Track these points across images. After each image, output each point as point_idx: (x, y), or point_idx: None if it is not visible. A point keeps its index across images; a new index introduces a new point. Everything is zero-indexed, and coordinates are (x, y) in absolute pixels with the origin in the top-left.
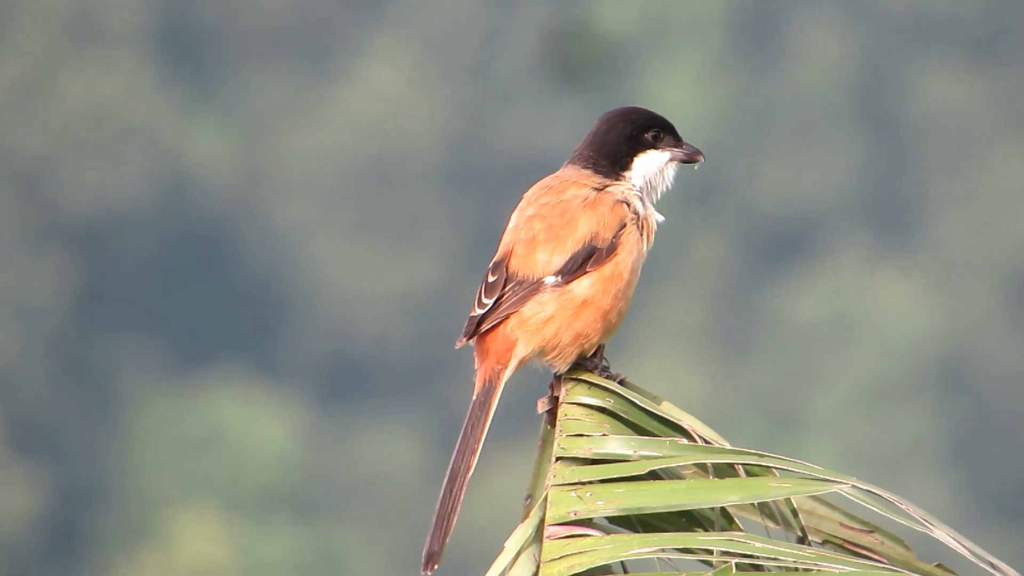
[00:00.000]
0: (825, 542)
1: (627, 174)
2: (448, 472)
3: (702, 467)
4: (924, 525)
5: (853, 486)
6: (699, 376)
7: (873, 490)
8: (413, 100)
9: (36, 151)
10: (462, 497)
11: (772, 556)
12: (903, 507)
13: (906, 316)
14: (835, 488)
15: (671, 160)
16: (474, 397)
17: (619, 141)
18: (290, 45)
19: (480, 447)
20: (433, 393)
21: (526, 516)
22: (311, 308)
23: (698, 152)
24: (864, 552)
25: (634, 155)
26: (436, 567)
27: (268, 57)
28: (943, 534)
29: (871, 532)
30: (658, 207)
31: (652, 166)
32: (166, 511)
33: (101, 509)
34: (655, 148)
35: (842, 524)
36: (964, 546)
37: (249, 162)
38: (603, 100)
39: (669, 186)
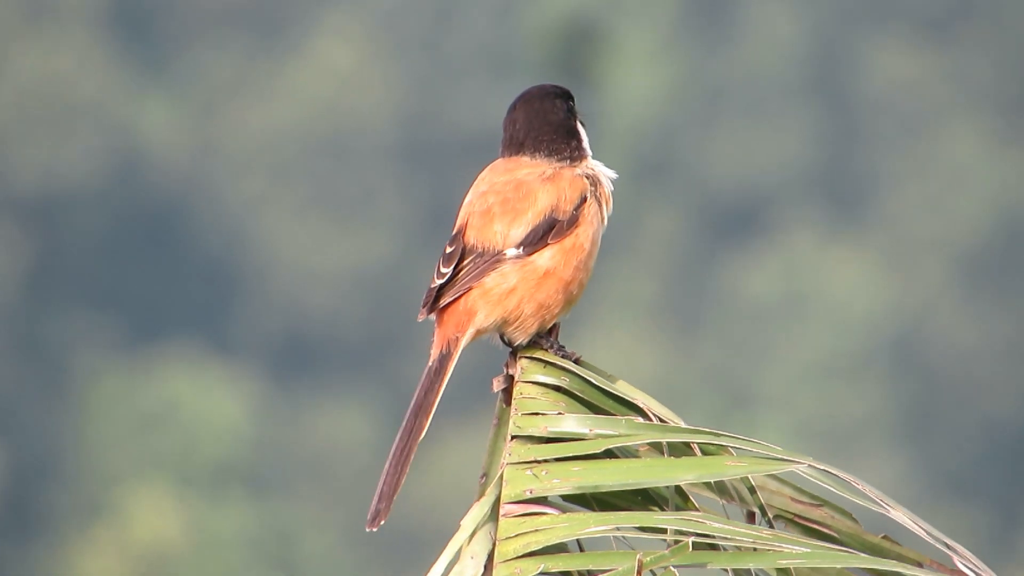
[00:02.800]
0: (776, 517)
1: (583, 144)
2: (399, 433)
3: (657, 446)
4: (881, 505)
5: (810, 465)
6: (652, 352)
7: (830, 470)
8: (365, 76)
9: None
10: (411, 458)
11: (729, 536)
12: (859, 487)
13: (858, 292)
14: (792, 467)
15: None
16: (429, 363)
17: (565, 116)
18: (242, 20)
19: (434, 411)
20: (386, 369)
21: (481, 494)
22: (263, 284)
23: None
24: (815, 527)
25: (577, 130)
26: (382, 523)
27: (220, 32)
28: (899, 514)
29: (820, 506)
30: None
31: (585, 131)
32: (119, 487)
33: (54, 485)
34: (579, 120)
35: (792, 499)
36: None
37: (201, 138)
38: (555, 76)
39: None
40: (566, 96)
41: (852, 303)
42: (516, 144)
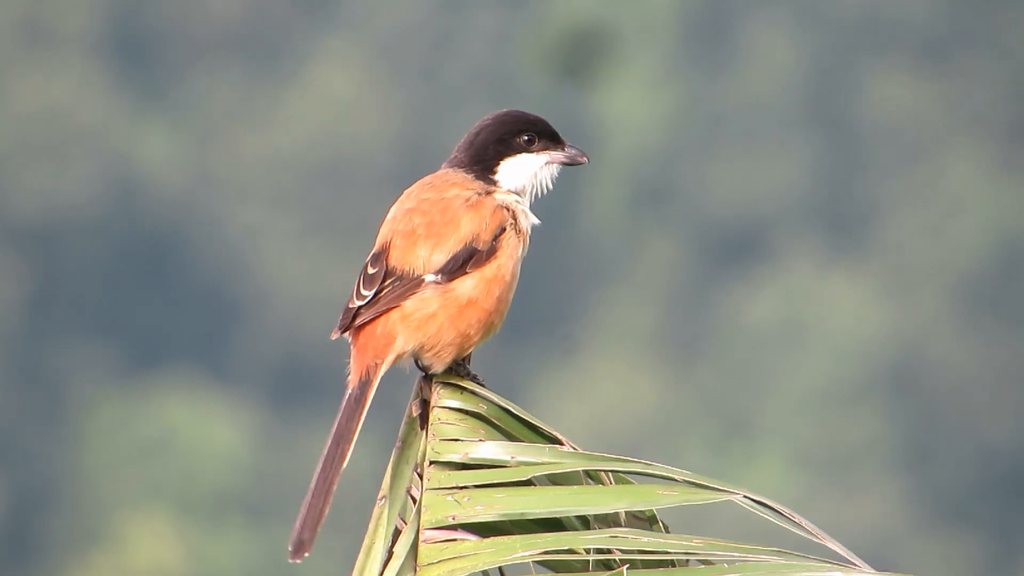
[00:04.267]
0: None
1: (495, 178)
2: (321, 463)
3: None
4: (817, 537)
5: (745, 496)
6: (651, 379)
7: (766, 502)
8: (364, 103)
9: None
10: (334, 488)
11: (662, 549)
12: (795, 519)
13: (857, 319)
14: (727, 497)
15: (549, 163)
16: (348, 391)
17: (486, 144)
18: (241, 48)
19: (355, 439)
20: (385, 397)
21: (380, 516)
22: (262, 311)
23: (581, 154)
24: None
25: (500, 159)
26: (307, 555)
27: (218, 60)
28: (835, 546)
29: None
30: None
31: (523, 170)
32: (118, 515)
33: (53, 513)
34: (527, 151)
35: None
36: (855, 558)
37: (199, 165)
38: (556, 105)
39: (545, 189)
40: (521, 128)
41: (851, 330)
42: (451, 155)
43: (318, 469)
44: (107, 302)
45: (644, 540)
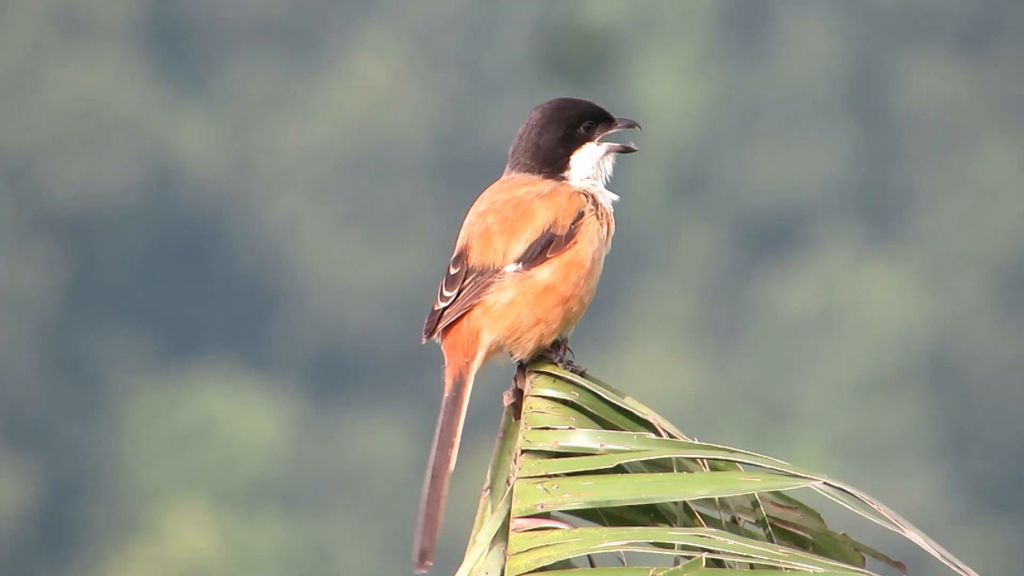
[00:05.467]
0: (758, 522)
1: (568, 174)
2: (429, 470)
3: (661, 465)
4: (896, 525)
5: (826, 483)
6: (688, 368)
7: (846, 488)
8: (402, 93)
9: (23, 144)
10: (446, 492)
11: (744, 554)
12: (875, 507)
13: (895, 308)
14: (807, 484)
15: (607, 153)
16: (445, 394)
17: (553, 144)
18: (278, 37)
19: (458, 442)
20: (423, 385)
21: (485, 507)
22: (300, 301)
23: (633, 122)
24: (792, 529)
25: (570, 154)
26: (430, 564)
27: (256, 49)
28: (914, 535)
29: (795, 509)
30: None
31: (589, 160)
32: (156, 504)
33: (91, 502)
34: (590, 140)
35: (773, 503)
36: (934, 548)
37: (237, 155)
38: (591, 93)
39: (609, 176)
40: (579, 118)
41: (888, 318)
42: (513, 159)
43: (427, 477)
44: (145, 291)
45: (729, 543)
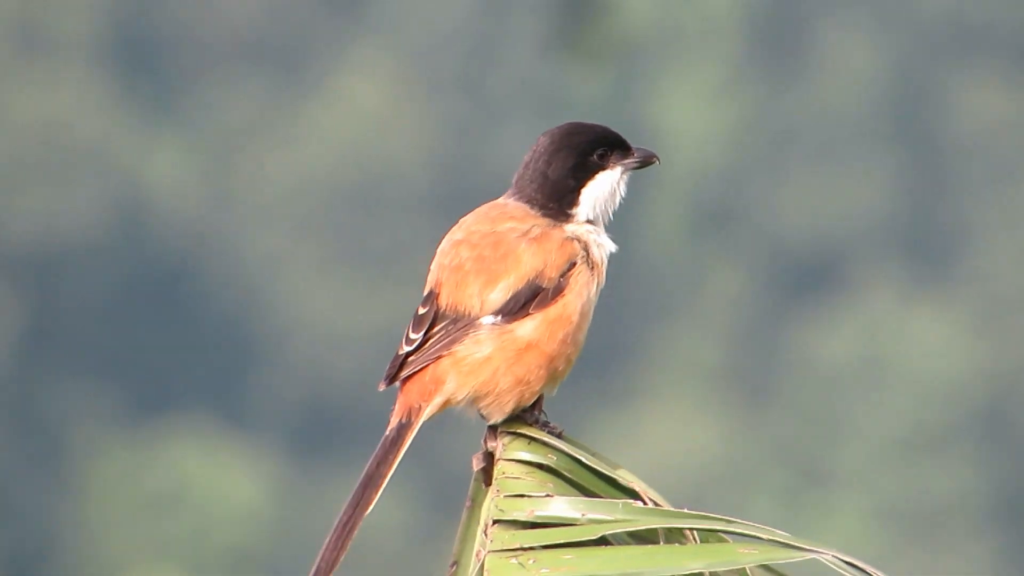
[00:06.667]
0: None
1: (576, 210)
2: (344, 506)
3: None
4: None
5: (835, 556)
6: (715, 424)
7: (855, 563)
8: (397, 117)
9: None
10: (355, 533)
11: None
12: None
13: (945, 357)
14: (811, 555)
15: (623, 173)
16: (386, 432)
17: (563, 176)
18: (260, 55)
19: (385, 483)
20: (418, 444)
21: None
22: (283, 349)
23: (652, 155)
24: None
25: (582, 186)
26: None
27: (235, 69)
28: None
29: None
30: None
31: (603, 189)
32: (125, 575)
33: (53, 573)
34: (603, 169)
35: None
36: None
37: (214, 187)
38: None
39: (623, 198)
40: (592, 144)
41: (938, 369)
42: (516, 188)
43: (340, 513)
44: (112, 339)
45: None
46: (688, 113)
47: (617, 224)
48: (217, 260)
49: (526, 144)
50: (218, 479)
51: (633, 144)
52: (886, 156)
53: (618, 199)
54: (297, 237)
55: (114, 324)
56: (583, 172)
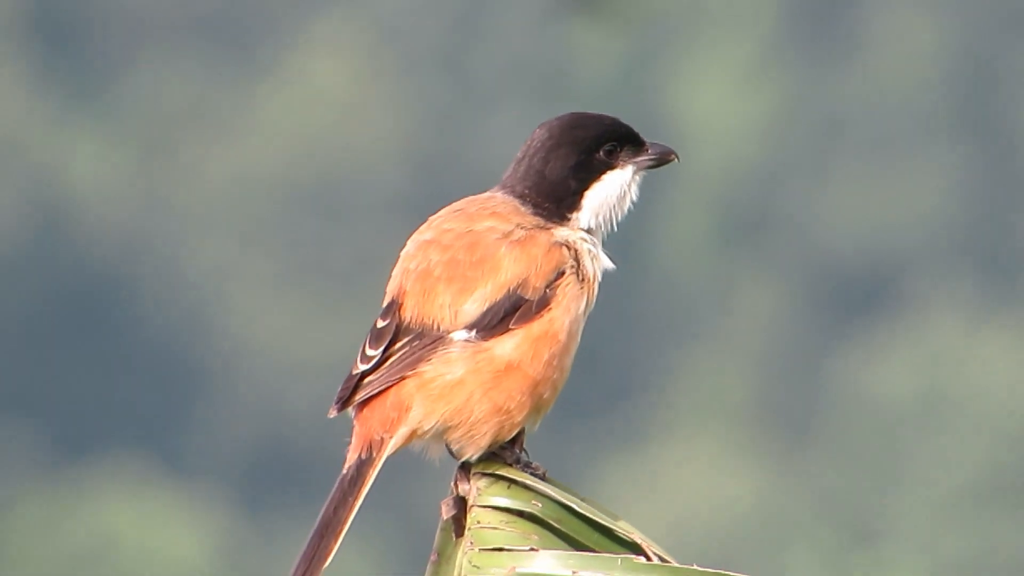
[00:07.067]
0: None
1: (576, 215)
2: (297, 560)
3: None
4: None
5: None
6: (746, 469)
7: None
8: (365, 103)
9: None
10: None
11: None
12: None
13: (1018, 391)
14: None
15: (635, 173)
16: (343, 471)
17: (563, 176)
18: (202, 31)
19: (344, 531)
20: (387, 489)
21: None
22: (231, 379)
23: (670, 152)
24: None
25: (585, 188)
26: None
27: (171, 47)
28: None
29: None
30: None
31: (610, 191)
32: None
33: None
34: (612, 168)
35: None
36: None
37: (147, 186)
38: (615, 102)
39: (634, 203)
40: (598, 139)
41: (1011, 405)
42: (505, 179)
43: (293, 568)
44: (26, 369)
45: None
46: (715, 100)
47: (630, 233)
48: (151, 274)
49: (519, 136)
50: (152, 533)
51: (647, 138)
52: (950, 150)
53: (628, 205)
54: (246, 246)
55: (29, 351)
56: (587, 172)
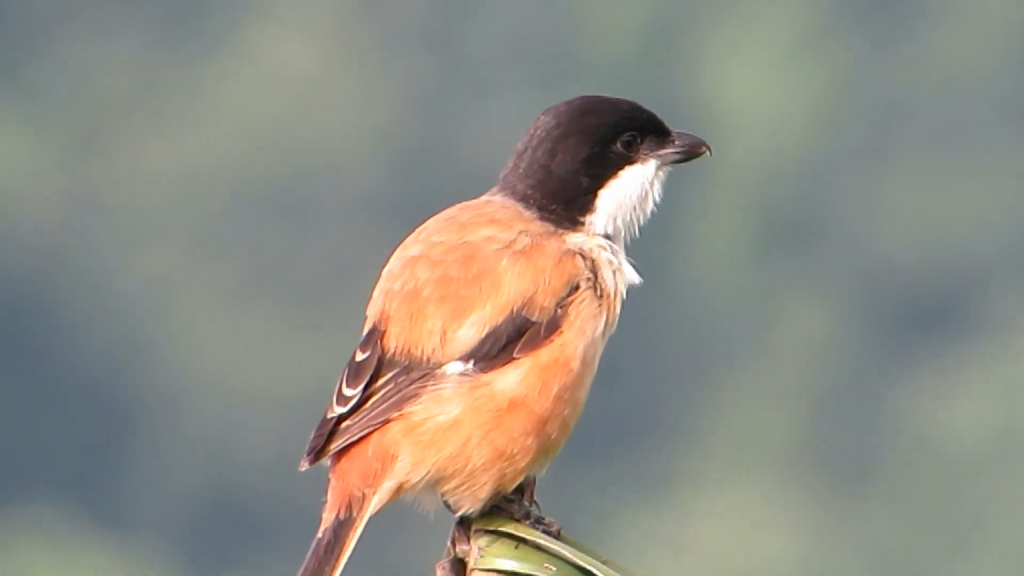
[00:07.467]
0: None
1: (590, 218)
2: None
3: None
4: None
5: None
6: (792, 522)
7: None
8: (337, 85)
9: None
10: None
11: None
12: None
13: None
14: None
15: (660, 167)
16: (319, 535)
17: (573, 171)
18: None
19: None
20: (370, 547)
21: None
22: (175, 415)
23: (700, 143)
24: None
25: (599, 186)
26: None
27: (102, 19)
28: None
29: None
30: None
31: (630, 191)
32: None
33: None
34: (631, 163)
35: None
36: None
37: (73, 183)
38: (634, 85)
39: (657, 203)
40: (615, 128)
41: None
42: (501, 182)
43: None
44: None
45: None
46: (752, 83)
47: (652, 239)
48: (78, 288)
49: (520, 125)
50: None
51: (672, 127)
52: None
53: (651, 206)
54: (193, 255)
55: None
56: (602, 167)
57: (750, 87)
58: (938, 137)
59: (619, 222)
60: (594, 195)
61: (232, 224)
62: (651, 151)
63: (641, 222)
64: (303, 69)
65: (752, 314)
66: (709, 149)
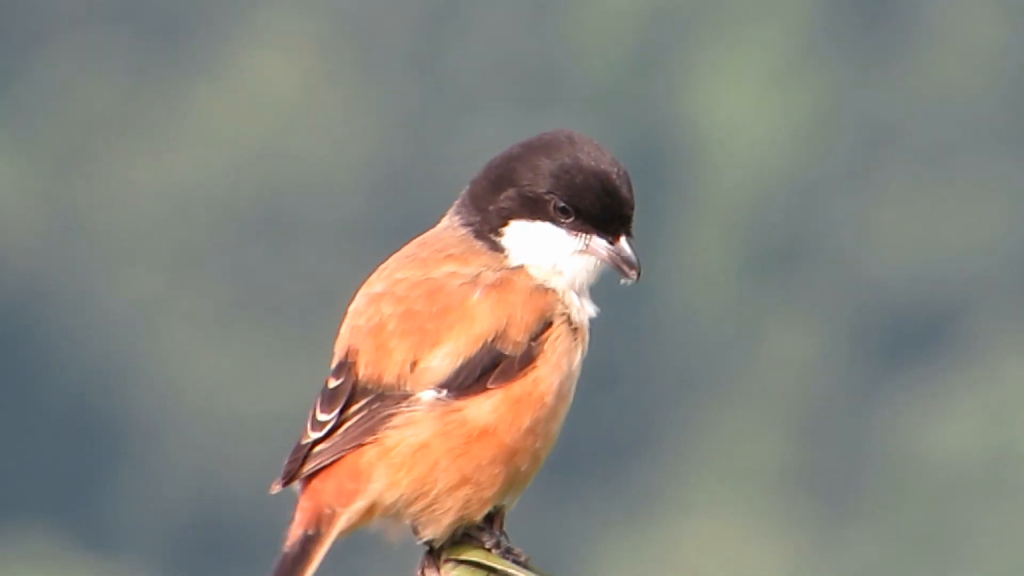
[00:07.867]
0: None
1: (499, 241)
2: None
3: None
4: None
5: None
6: (779, 544)
7: None
8: (319, 109)
9: None
10: None
11: None
12: None
13: None
14: None
15: (584, 253)
16: (285, 549)
17: (497, 185)
18: (124, 18)
19: None
20: (344, 568)
21: None
22: (159, 438)
23: (630, 264)
24: None
25: (510, 217)
26: None
27: (90, 38)
28: None
29: None
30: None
31: (543, 244)
32: None
33: None
34: (553, 222)
35: None
36: None
37: (58, 205)
38: (618, 109)
39: (587, 284)
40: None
41: None
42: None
43: None
44: None
45: None
46: (738, 104)
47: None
48: (62, 310)
49: (502, 143)
50: None
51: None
52: (1021, 162)
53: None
54: (177, 277)
55: None
56: (523, 205)
57: (737, 110)
58: (923, 160)
59: (534, 259)
60: (503, 222)
61: (215, 246)
62: (581, 232)
63: (579, 279)
64: (287, 92)
65: (739, 337)
66: (637, 274)
